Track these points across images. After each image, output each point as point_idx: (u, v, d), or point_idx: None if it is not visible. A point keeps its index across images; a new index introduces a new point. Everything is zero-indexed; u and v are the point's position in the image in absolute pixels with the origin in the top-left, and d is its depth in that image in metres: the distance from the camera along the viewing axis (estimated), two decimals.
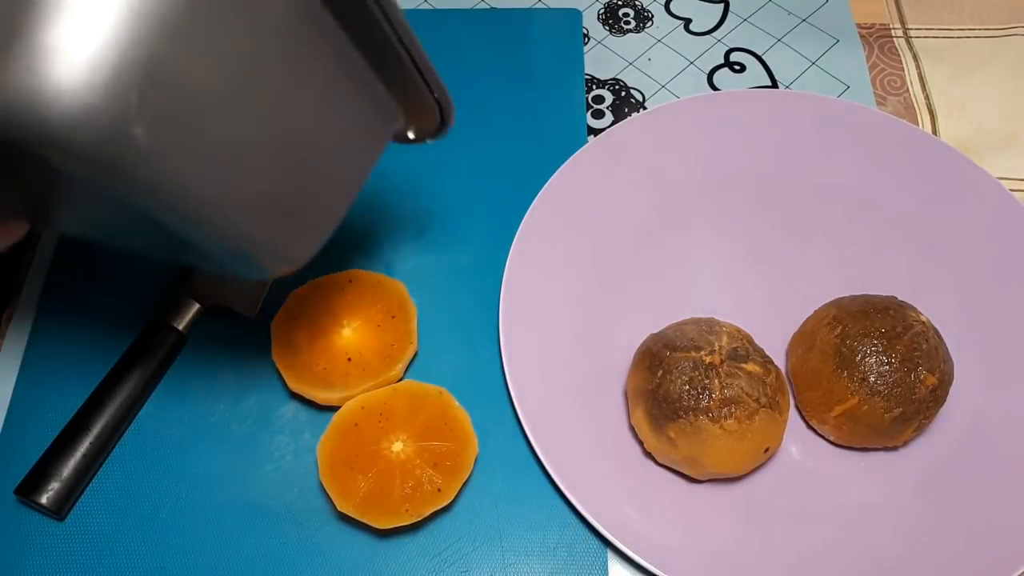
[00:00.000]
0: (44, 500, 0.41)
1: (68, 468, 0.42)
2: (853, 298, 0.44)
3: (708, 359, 0.40)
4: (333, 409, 0.43)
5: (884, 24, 0.61)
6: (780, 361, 0.46)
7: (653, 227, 0.51)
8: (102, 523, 0.43)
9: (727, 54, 0.60)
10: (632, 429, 0.43)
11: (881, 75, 0.58)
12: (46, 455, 0.42)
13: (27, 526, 0.42)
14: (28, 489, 0.41)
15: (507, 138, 0.54)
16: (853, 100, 0.56)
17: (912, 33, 0.60)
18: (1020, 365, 0.45)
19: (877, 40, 0.60)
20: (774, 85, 0.58)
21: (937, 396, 0.41)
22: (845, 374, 0.41)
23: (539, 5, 0.62)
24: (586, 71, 0.59)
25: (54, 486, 0.41)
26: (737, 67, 0.59)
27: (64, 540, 0.42)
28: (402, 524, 0.39)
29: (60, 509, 0.41)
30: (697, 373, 0.39)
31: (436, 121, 0.38)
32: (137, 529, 0.42)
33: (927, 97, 0.57)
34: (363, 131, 0.35)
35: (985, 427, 0.44)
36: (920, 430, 0.42)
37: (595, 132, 0.56)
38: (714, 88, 0.58)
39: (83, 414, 0.43)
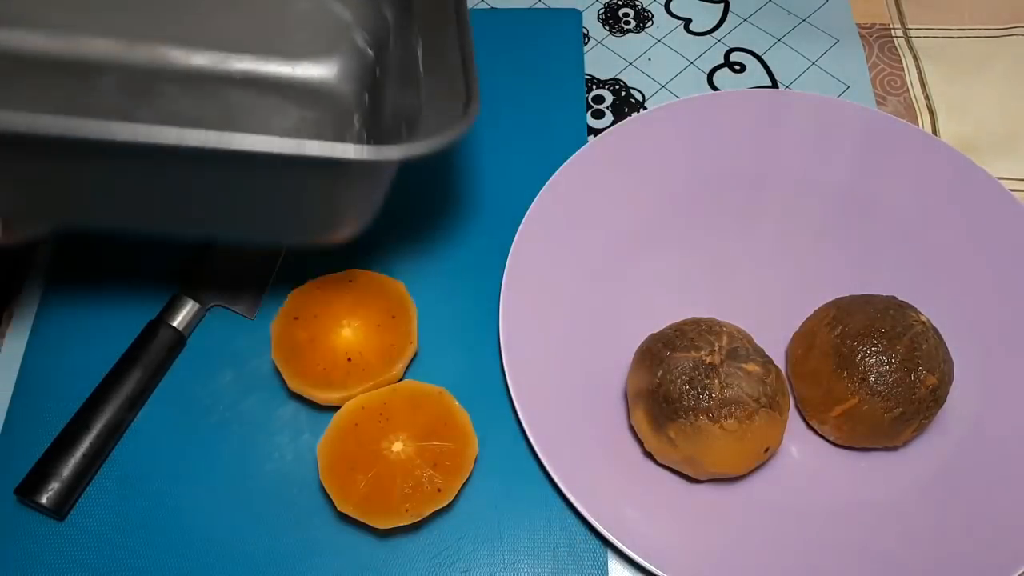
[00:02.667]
0: (44, 500, 0.41)
1: (68, 468, 0.42)
2: (853, 298, 0.44)
3: (708, 359, 0.40)
4: (333, 409, 0.43)
5: (884, 24, 0.61)
6: (780, 361, 0.46)
7: (653, 227, 0.51)
8: (102, 523, 0.43)
9: (727, 54, 0.60)
10: (632, 429, 0.43)
11: (881, 75, 0.58)
12: (46, 455, 0.42)
13: (27, 526, 0.42)
14: (28, 489, 0.41)
15: (507, 138, 0.54)
16: (853, 100, 0.56)
17: (912, 33, 0.60)
18: (1020, 365, 0.45)
19: (877, 40, 0.60)
20: (774, 85, 0.58)
21: (937, 396, 0.41)
22: (845, 374, 0.41)
23: (539, 5, 0.62)
24: (586, 71, 0.59)
25: (54, 486, 0.41)
26: (737, 67, 0.59)
27: (64, 540, 0.42)
28: (402, 524, 0.39)
29: (60, 509, 0.41)
30: (697, 373, 0.39)
31: (460, 107, 0.38)
32: (137, 529, 0.42)
33: (927, 97, 0.57)
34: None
35: (985, 427, 0.44)
36: (920, 430, 0.42)
37: (595, 132, 0.56)
38: (714, 88, 0.58)
39: (83, 414, 0.43)
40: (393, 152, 0.33)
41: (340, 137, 0.42)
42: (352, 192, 0.37)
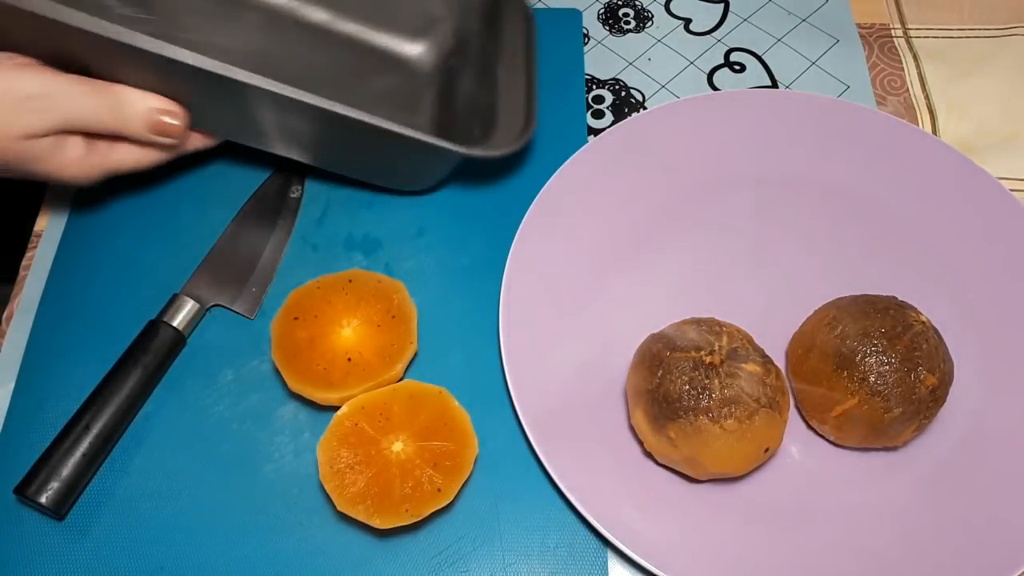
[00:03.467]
0: (44, 500, 0.41)
1: (68, 468, 0.42)
2: (853, 298, 0.44)
3: (708, 359, 0.40)
4: (333, 409, 0.43)
5: (884, 24, 0.61)
6: (780, 361, 0.46)
7: (653, 227, 0.51)
8: (102, 523, 0.43)
9: (727, 54, 0.60)
10: (632, 429, 0.43)
11: (881, 75, 0.58)
12: (46, 455, 0.42)
13: (27, 526, 0.42)
14: (28, 489, 0.41)
15: None
16: (853, 100, 0.56)
17: (912, 33, 0.60)
18: (1020, 365, 0.45)
19: (877, 40, 0.60)
20: (774, 85, 0.58)
21: (937, 396, 0.41)
22: (845, 374, 0.41)
23: (539, 5, 0.62)
24: (586, 71, 0.59)
25: (54, 486, 0.41)
26: (737, 67, 0.59)
27: (64, 540, 0.42)
28: (402, 524, 0.39)
29: (60, 509, 0.41)
30: (697, 373, 0.39)
31: (520, 125, 0.50)
32: (137, 529, 0.42)
33: (927, 97, 0.57)
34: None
35: (985, 427, 0.44)
36: (920, 430, 0.42)
37: (595, 132, 0.56)
38: (714, 88, 0.58)
39: (83, 414, 0.43)
40: (475, 150, 0.47)
41: (416, 104, 0.54)
42: (437, 163, 0.50)
